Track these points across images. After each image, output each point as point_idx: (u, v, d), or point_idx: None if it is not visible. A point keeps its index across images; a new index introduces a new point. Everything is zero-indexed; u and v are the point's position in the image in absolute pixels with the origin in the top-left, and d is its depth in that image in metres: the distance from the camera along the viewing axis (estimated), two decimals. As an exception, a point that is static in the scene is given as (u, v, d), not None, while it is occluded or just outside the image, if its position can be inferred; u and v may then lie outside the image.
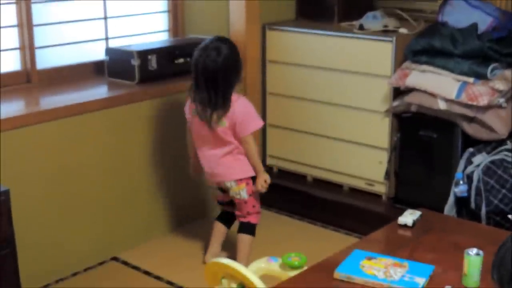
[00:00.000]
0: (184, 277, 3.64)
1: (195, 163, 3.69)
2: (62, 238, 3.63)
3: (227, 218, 3.77)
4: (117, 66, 3.98)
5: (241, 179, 3.50)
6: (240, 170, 3.51)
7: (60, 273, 3.64)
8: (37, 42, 3.77)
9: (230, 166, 3.51)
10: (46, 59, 3.88)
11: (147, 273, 3.71)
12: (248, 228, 3.62)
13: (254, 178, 3.55)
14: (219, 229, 3.75)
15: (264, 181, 3.53)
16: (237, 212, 3.64)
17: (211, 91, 3.37)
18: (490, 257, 2.28)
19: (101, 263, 3.80)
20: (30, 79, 3.78)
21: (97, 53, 4.09)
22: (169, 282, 3.61)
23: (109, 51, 4.02)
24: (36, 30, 3.75)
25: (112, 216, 3.85)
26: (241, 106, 3.44)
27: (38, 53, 3.80)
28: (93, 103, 3.66)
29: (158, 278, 3.66)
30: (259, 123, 3.51)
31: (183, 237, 4.09)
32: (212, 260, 2.93)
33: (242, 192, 3.52)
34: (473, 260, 2.23)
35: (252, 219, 3.61)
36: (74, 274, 3.68)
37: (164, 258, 3.87)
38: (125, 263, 3.82)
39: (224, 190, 3.62)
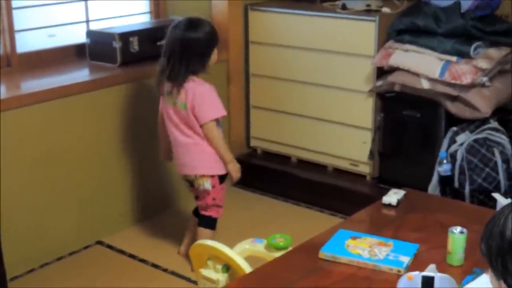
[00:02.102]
0: (169, 260, 3.64)
1: (164, 149, 3.64)
2: (46, 223, 3.61)
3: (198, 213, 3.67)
4: (98, 49, 3.95)
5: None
6: (204, 166, 3.41)
7: (44, 258, 3.62)
8: (17, 26, 3.73)
9: (195, 159, 3.41)
10: (26, 43, 3.83)
11: (132, 256, 3.70)
12: (208, 222, 3.52)
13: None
14: (192, 222, 3.67)
15: (236, 170, 3.42)
16: (198, 203, 3.54)
17: (171, 60, 3.31)
18: (474, 235, 2.29)
19: (86, 247, 3.79)
20: (10, 63, 3.74)
21: (78, 36, 4.05)
22: (154, 265, 3.61)
23: (90, 33, 3.98)
24: (15, 13, 3.71)
25: (96, 200, 3.83)
26: (202, 90, 3.33)
27: (18, 36, 3.75)
28: (74, 86, 3.64)
29: (143, 261, 3.65)
30: (219, 112, 3.36)
31: (168, 221, 4.08)
32: (197, 242, 2.93)
33: (205, 183, 3.42)
34: (457, 238, 2.23)
35: (213, 213, 3.52)
36: (59, 259, 3.67)
37: (149, 241, 3.86)
38: (110, 247, 3.81)
39: (191, 183, 3.51)
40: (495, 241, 1.41)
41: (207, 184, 3.44)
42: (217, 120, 3.38)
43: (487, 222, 1.48)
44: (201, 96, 3.32)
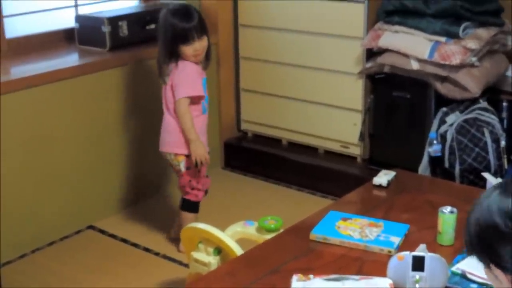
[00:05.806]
0: (160, 244, 3.65)
1: None
2: (38, 208, 3.61)
3: None
4: (87, 33, 3.93)
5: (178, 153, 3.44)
6: (174, 143, 3.43)
7: (36, 243, 3.62)
8: (5, 11, 3.71)
9: (170, 136, 3.43)
10: (15, 28, 3.81)
11: (124, 240, 3.71)
12: (187, 206, 3.54)
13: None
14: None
15: (199, 154, 3.38)
16: (179, 186, 3.58)
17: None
18: (464, 215, 2.30)
19: (77, 232, 3.79)
20: (-1, 49, 3.73)
21: (67, 20, 4.03)
22: (145, 249, 3.61)
23: (79, 18, 3.97)
24: (3, -2, 3.70)
25: (87, 185, 3.83)
26: (183, 69, 3.34)
27: (7, 21, 3.73)
28: (64, 71, 3.63)
29: (135, 245, 3.65)
30: (194, 91, 3.35)
31: (159, 205, 4.09)
32: (188, 225, 2.93)
33: (181, 164, 3.44)
34: (447, 218, 2.25)
35: (191, 197, 3.52)
36: (51, 244, 3.67)
37: (140, 226, 3.86)
38: (102, 231, 3.81)
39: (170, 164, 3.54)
40: (470, 233, 1.43)
41: (182, 166, 3.45)
42: (193, 99, 3.37)
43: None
44: (180, 76, 3.34)
